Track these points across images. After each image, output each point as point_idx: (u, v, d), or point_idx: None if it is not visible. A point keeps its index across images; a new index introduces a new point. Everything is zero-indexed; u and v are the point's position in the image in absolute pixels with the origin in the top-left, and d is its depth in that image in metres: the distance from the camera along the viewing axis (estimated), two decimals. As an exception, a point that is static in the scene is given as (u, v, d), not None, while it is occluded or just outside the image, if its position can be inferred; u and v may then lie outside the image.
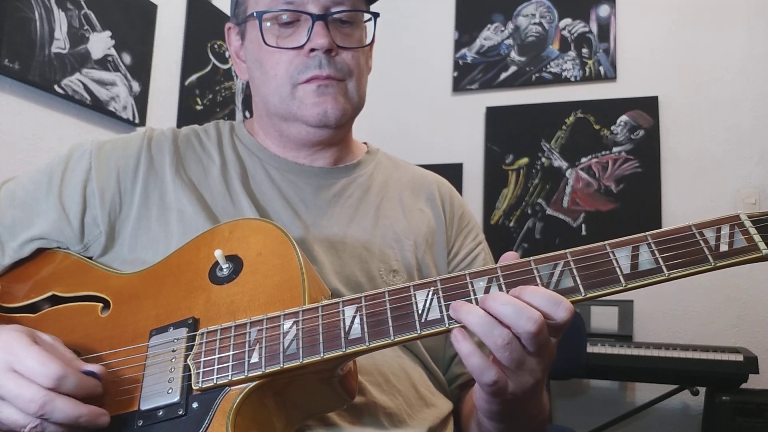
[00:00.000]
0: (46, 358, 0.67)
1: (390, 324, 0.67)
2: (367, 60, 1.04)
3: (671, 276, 0.65)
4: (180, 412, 0.68)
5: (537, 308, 0.64)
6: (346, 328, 0.68)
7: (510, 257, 0.70)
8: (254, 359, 0.68)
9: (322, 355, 0.67)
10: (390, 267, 0.97)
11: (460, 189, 3.47)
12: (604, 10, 3.38)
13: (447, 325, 0.66)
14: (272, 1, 0.95)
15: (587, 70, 3.36)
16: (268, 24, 0.96)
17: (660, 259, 0.66)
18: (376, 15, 1.00)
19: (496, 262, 0.71)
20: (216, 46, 2.70)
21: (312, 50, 0.94)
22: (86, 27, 2.14)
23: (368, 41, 1.02)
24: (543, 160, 3.38)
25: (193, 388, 0.69)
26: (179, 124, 2.48)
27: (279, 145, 1.03)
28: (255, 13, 0.96)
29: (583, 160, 3.30)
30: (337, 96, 0.96)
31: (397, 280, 0.96)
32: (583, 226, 3.25)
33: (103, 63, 2.20)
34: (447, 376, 1.01)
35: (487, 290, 0.67)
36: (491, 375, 0.65)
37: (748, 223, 0.66)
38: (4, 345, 0.69)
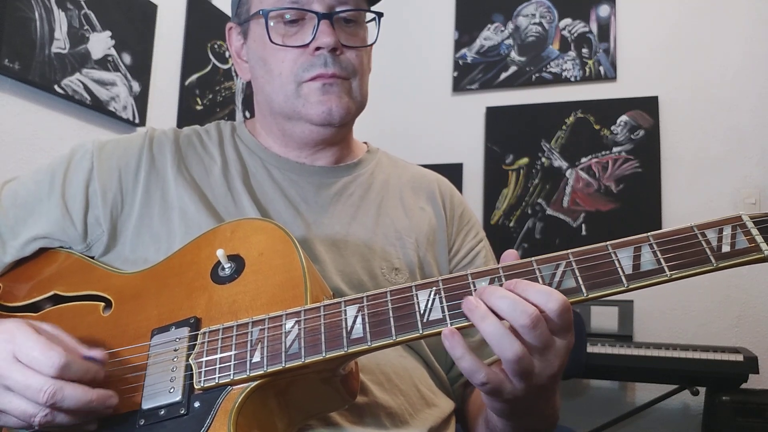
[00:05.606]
0: (47, 347, 0.68)
1: (392, 324, 0.67)
2: (368, 60, 1.04)
3: (673, 276, 0.65)
4: (182, 412, 0.68)
5: (531, 302, 0.64)
6: (348, 328, 0.68)
7: (510, 255, 0.71)
8: (256, 359, 0.68)
9: (324, 354, 0.67)
10: (392, 265, 0.97)
11: (460, 189, 3.46)
12: (604, 10, 3.38)
13: (449, 325, 0.66)
14: None
15: (587, 70, 3.36)
16: (272, 23, 0.96)
17: (662, 260, 0.66)
18: (380, 15, 1.01)
19: (497, 260, 0.71)
20: (216, 46, 2.70)
21: (317, 49, 0.94)
22: (86, 27, 2.14)
23: (371, 41, 1.02)
24: (543, 160, 3.38)
25: (195, 387, 0.70)
26: (179, 124, 2.48)
27: (281, 145, 1.04)
28: (261, 11, 0.97)
29: (583, 160, 3.30)
30: (341, 94, 0.96)
31: (400, 278, 0.96)
32: (583, 226, 3.25)
33: (103, 63, 2.20)
34: (450, 375, 1.01)
35: (489, 290, 0.67)
36: (481, 376, 0.66)
37: (750, 224, 0.66)
38: (7, 336, 0.69)
